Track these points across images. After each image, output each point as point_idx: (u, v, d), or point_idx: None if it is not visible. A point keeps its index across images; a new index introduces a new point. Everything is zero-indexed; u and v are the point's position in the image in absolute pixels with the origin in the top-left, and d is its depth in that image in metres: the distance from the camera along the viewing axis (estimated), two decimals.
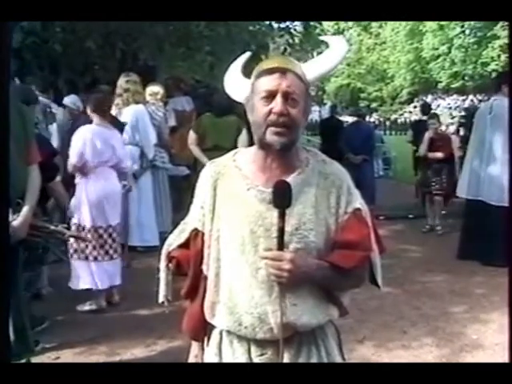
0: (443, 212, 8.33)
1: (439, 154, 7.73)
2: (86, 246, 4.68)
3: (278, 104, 1.70)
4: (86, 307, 4.81)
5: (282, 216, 1.66)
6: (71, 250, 4.71)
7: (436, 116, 8.47)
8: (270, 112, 1.71)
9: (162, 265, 1.99)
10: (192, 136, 6.21)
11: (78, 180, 4.81)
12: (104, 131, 4.86)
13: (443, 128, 11.65)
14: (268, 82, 1.72)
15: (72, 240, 4.51)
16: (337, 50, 1.91)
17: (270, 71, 1.73)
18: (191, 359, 2.05)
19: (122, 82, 6.24)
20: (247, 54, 2.11)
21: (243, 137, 5.91)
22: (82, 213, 4.68)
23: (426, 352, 4.05)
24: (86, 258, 4.71)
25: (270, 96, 1.72)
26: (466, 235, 6.45)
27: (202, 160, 5.82)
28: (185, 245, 1.91)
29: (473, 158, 6.45)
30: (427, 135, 7.82)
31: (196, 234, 1.87)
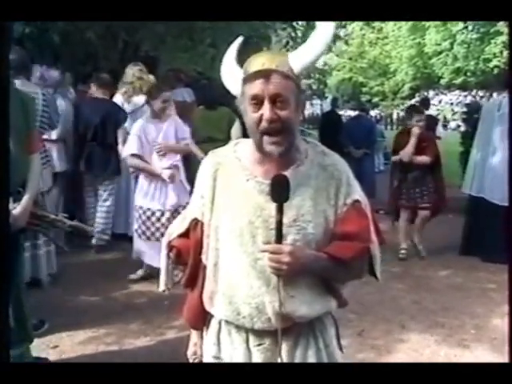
0: None
1: (426, 159, 6.20)
2: (157, 229, 4.88)
3: (266, 110, 1.69)
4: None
5: (279, 210, 1.66)
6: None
7: (419, 110, 6.62)
8: (260, 119, 1.70)
9: (163, 253, 2.01)
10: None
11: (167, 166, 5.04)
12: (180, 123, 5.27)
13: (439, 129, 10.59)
14: (253, 88, 1.70)
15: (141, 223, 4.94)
16: (321, 34, 1.80)
17: (254, 76, 1.70)
18: (190, 347, 2.07)
19: (133, 70, 6.27)
20: (239, 40, 2.02)
21: (236, 128, 5.92)
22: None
23: (424, 346, 4.06)
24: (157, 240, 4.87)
25: (258, 101, 1.70)
26: (468, 232, 6.43)
27: (196, 153, 5.84)
28: (185, 234, 1.93)
29: (477, 154, 6.40)
30: (414, 135, 6.14)
31: (196, 223, 1.88)
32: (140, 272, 5.28)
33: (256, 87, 1.69)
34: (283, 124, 1.70)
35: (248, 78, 1.72)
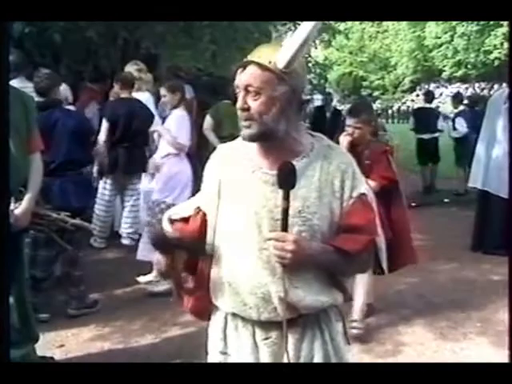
0: (446, 200, 8.08)
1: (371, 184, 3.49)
2: None
3: (238, 100, 1.77)
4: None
5: (286, 197, 1.68)
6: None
7: (355, 113, 4.10)
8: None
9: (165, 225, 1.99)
10: (208, 121, 6.06)
11: (171, 160, 5.01)
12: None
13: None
14: (236, 79, 1.79)
15: None
16: (302, 26, 1.78)
17: (237, 67, 1.79)
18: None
19: (132, 70, 6.12)
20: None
21: None
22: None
23: (429, 339, 4.06)
24: None
25: (239, 91, 1.78)
26: (478, 227, 6.32)
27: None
28: (186, 220, 1.95)
29: (482, 147, 6.31)
30: (343, 147, 3.63)
31: (198, 212, 1.92)
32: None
33: (237, 78, 1.78)
34: (252, 113, 1.75)
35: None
